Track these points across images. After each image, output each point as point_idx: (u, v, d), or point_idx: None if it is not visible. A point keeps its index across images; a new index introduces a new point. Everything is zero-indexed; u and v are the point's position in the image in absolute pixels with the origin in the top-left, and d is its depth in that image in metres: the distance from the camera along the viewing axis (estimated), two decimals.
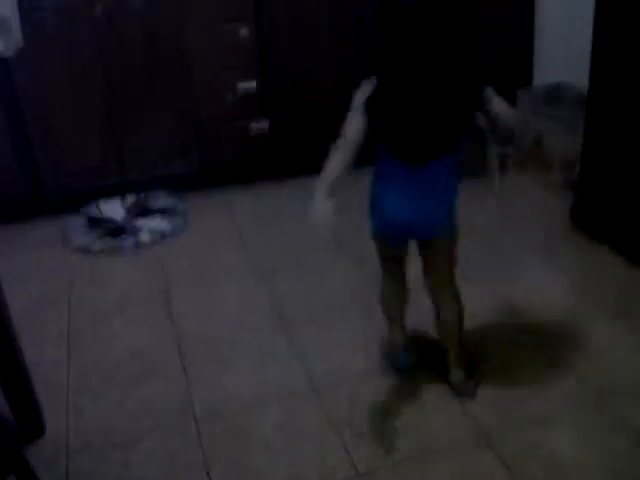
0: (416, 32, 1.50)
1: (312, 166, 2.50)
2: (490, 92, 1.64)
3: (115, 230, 2.96)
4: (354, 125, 1.61)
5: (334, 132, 1.66)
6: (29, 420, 1.86)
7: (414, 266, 1.88)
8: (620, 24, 2.34)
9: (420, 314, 2.04)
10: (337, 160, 1.62)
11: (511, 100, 3.08)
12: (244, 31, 3.01)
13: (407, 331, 2.02)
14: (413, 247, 1.82)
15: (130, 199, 3.17)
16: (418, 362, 2.04)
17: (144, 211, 3.09)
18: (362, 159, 1.64)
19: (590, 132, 2.59)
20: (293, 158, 3.24)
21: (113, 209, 3.11)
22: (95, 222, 3.03)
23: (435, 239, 1.75)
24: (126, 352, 2.22)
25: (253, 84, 3.08)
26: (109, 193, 3.18)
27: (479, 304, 2.29)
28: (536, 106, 3.05)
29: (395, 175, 1.66)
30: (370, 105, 1.58)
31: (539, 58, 3.38)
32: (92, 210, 3.11)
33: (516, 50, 3.37)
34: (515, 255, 2.59)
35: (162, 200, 3.17)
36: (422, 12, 1.50)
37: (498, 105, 1.65)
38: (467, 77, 1.57)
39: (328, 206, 1.57)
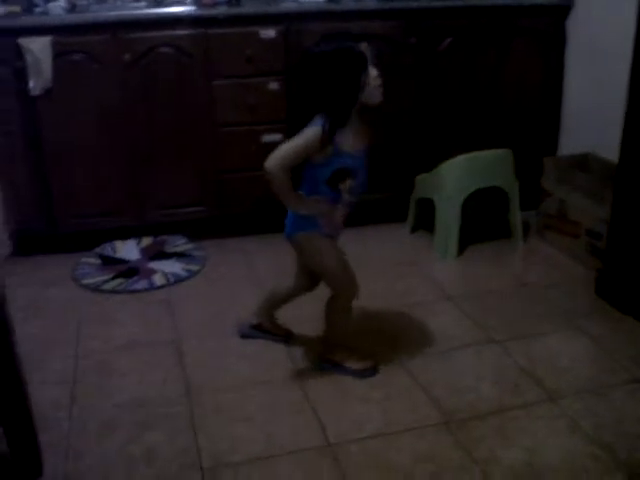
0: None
1: None
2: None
3: (128, 271, 2.90)
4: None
5: None
6: (27, 460, 1.77)
7: None
8: None
9: None
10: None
11: (537, 168, 3.11)
12: (274, 85, 3.02)
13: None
14: None
15: (146, 241, 3.13)
16: None
17: (160, 254, 3.04)
18: None
19: (619, 204, 2.55)
20: None
21: (128, 250, 3.07)
22: (109, 262, 2.99)
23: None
24: (131, 397, 2.13)
25: (278, 137, 3.06)
26: (125, 235, 3.15)
27: (498, 364, 2.27)
28: (561, 175, 3.02)
29: None
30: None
31: (566, 127, 3.38)
32: (106, 249, 3.07)
33: (543, 118, 3.37)
34: (536, 321, 2.53)
35: (179, 244, 3.13)
36: None
37: None
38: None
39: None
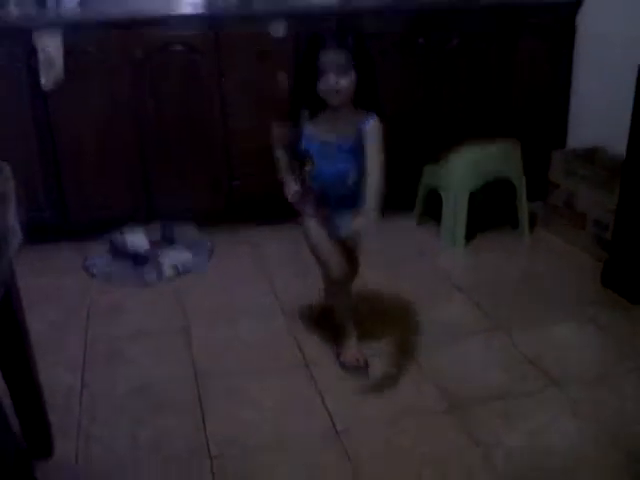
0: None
1: None
2: None
3: (138, 260, 2.93)
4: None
5: None
6: (38, 441, 1.81)
7: None
8: None
9: None
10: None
11: (545, 161, 3.11)
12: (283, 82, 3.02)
13: None
14: None
15: (155, 229, 3.14)
16: None
17: (169, 242, 3.06)
18: None
19: (625, 195, 2.56)
20: None
21: (137, 239, 3.07)
22: (118, 250, 3.01)
23: None
24: (141, 383, 2.16)
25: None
26: (135, 224, 3.16)
27: (505, 353, 2.28)
28: (569, 168, 3.03)
29: None
30: None
31: (575, 121, 3.38)
32: (116, 238, 3.09)
33: (552, 112, 3.37)
34: (543, 310, 2.54)
35: (188, 233, 3.15)
36: None
37: None
38: None
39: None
